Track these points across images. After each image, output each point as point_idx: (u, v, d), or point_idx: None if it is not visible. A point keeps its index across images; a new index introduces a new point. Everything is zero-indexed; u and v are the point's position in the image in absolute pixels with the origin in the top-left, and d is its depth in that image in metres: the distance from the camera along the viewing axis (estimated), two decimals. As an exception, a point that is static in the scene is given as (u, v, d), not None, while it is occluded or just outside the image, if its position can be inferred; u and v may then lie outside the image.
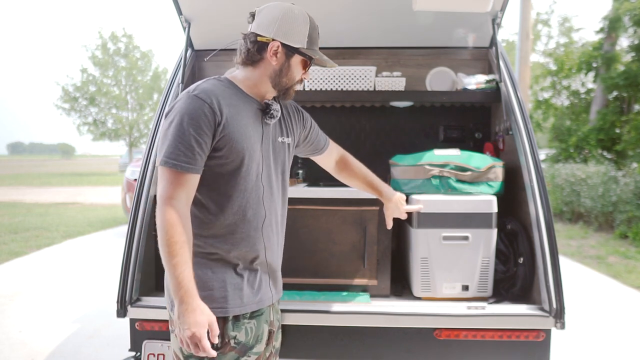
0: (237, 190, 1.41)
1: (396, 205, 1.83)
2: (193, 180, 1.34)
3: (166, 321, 1.96)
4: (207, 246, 1.40)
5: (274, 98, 1.55)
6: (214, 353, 1.31)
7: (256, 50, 1.45)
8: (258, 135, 1.46)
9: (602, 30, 11.54)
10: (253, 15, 1.49)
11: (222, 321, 1.40)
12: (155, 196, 2.15)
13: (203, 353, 1.29)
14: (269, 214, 1.50)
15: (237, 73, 1.50)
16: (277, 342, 1.63)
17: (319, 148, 1.80)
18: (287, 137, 1.59)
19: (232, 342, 1.42)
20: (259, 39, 1.44)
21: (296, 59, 1.47)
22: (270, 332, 1.56)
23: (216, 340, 1.32)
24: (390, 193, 1.85)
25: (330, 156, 1.86)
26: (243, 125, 1.41)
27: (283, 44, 1.43)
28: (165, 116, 1.38)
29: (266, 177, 1.48)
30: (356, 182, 1.91)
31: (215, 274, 1.40)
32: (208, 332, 1.30)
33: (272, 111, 1.48)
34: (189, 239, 1.30)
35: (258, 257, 1.48)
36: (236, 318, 1.43)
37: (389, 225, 1.86)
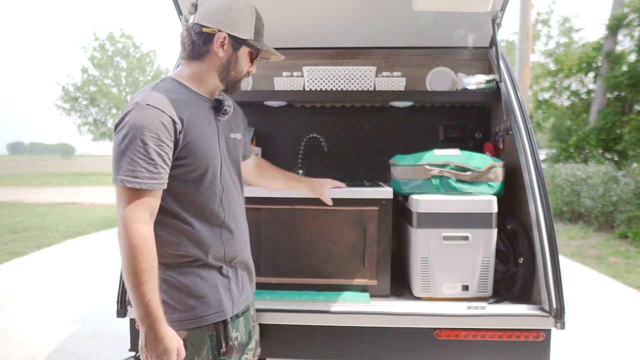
0: (206, 194, 1.38)
1: (321, 190, 1.99)
2: (157, 196, 1.27)
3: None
4: (187, 255, 1.36)
5: (221, 93, 1.50)
6: None
7: (202, 42, 1.38)
8: (215, 135, 1.42)
9: (609, 27, 11.51)
10: (195, 6, 1.41)
11: (223, 325, 1.40)
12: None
13: None
14: (235, 212, 1.49)
15: (181, 70, 1.43)
16: (257, 335, 1.67)
17: (248, 153, 1.77)
18: (237, 132, 1.57)
19: (235, 343, 1.43)
20: (204, 30, 1.37)
21: (243, 51, 1.43)
22: (253, 327, 1.60)
23: None
24: (312, 180, 2.01)
25: (252, 161, 1.86)
26: (202, 128, 1.36)
27: (230, 35, 1.39)
28: (116, 129, 1.27)
29: (227, 176, 1.46)
30: (279, 180, 1.97)
31: (204, 280, 1.38)
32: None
33: (225, 107, 1.45)
34: (155, 263, 1.23)
35: (236, 257, 1.47)
36: (231, 319, 1.43)
37: (329, 201, 2.02)
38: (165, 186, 1.28)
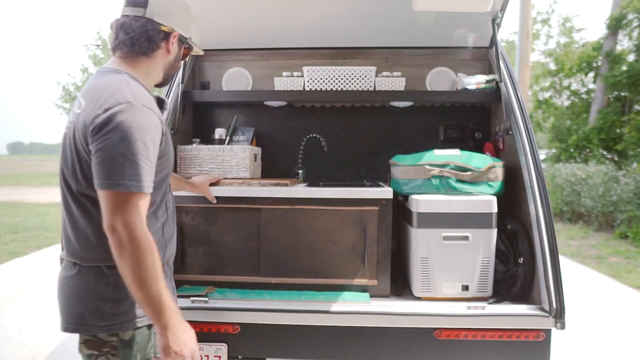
0: (161, 193, 1.40)
1: (202, 187, 2.11)
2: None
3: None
4: None
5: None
6: None
7: (160, 39, 1.38)
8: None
9: (609, 27, 11.51)
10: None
11: None
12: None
13: None
14: (173, 210, 1.52)
15: (128, 65, 1.37)
16: None
17: None
18: None
19: None
20: (162, 28, 1.37)
21: (181, 49, 1.45)
22: None
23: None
24: (192, 180, 2.13)
25: None
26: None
27: (180, 35, 1.43)
28: (105, 129, 1.18)
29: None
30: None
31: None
32: None
33: (165, 105, 1.47)
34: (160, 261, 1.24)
35: (172, 255, 1.52)
36: None
37: (212, 199, 2.13)
38: None
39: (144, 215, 1.21)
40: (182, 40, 1.45)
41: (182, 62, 1.51)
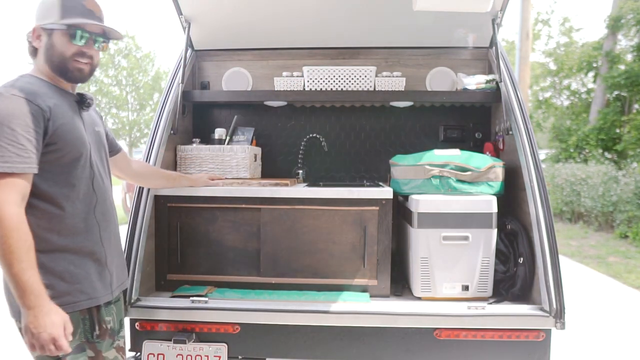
0: (78, 179, 1.44)
1: (203, 182, 2.16)
2: (28, 180, 1.32)
3: (167, 321, 1.97)
4: (59, 240, 1.40)
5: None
6: (69, 349, 1.32)
7: (31, 40, 1.47)
8: (81, 125, 1.49)
9: (610, 26, 11.51)
10: None
11: (96, 309, 1.48)
12: (155, 196, 2.17)
13: (60, 352, 1.30)
14: (105, 198, 1.56)
15: (35, 67, 1.50)
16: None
17: (114, 148, 1.82)
18: (99, 126, 1.64)
19: (108, 327, 1.51)
20: (32, 29, 1.47)
21: (57, 35, 1.44)
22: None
23: (70, 338, 1.33)
24: (191, 176, 2.18)
25: (126, 159, 1.90)
26: (69, 116, 1.43)
27: (41, 27, 1.44)
28: None
29: (96, 163, 1.53)
30: (162, 180, 2.10)
31: (77, 266, 1.43)
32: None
33: (87, 100, 1.52)
34: (31, 242, 1.28)
35: (109, 243, 1.54)
36: (105, 304, 1.51)
37: (217, 182, 2.20)
38: (36, 170, 1.33)
39: (15, 195, 1.27)
40: (48, 29, 1.44)
41: (77, 48, 1.46)
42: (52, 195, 1.39)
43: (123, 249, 1.80)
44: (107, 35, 1.53)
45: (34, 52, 1.48)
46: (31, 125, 1.31)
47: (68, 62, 1.45)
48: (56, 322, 1.28)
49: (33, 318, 1.26)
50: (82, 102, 1.52)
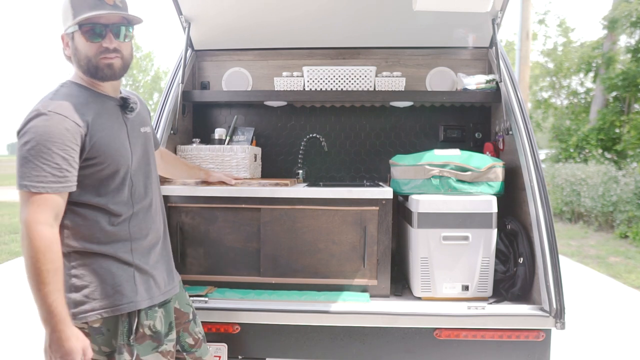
0: (118, 190, 1.43)
1: (220, 177, 2.17)
2: (63, 198, 1.32)
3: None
4: (101, 246, 1.40)
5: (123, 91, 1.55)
6: None
7: (63, 49, 1.47)
8: (124, 132, 1.47)
9: (608, 27, 11.51)
10: None
11: (137, 313, 1.46)
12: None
13: None
14: (147, 206, 1.53)
15: (74, 73, 1.48)
16: (198, 327, 1.76)
17: (157, 144, 1.82)
18: (147, 126, 1.61)
19: (148, 331, 1.48)
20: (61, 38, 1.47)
21: (77, 38, 1.42)
22: (192, 319, 1.70)
23: None
24: (209, 170, 2.20)
25: (159, 156, 1.91)
26: (108, 126, 1.41)
27: (65, 33, 1.44)
28: (19, 135, 1.32)
29: (138, 171, 1.51)
30: (182, 169, 2.11)
31: (118, 270, 1.42)
32: None
33: (131, 105, 1.49)
34: (60, 264, 1.28)
35: (152, 249, 1.53)
36: (147, 309, 1.48)
37: (230, 181, 2.19)
38: (73, 188, 1.33)
39: (48, 215, 1.27)
40: (69, 33, 1.42)
41: (96, 46, 1.41)
42: (94, 204, 1.39)
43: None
44: (128, 23, 1.46)
45: (69, 59, 1.47)
46: (67, 143, 1.30)
47: (95, 62, 1.41)
48: (74, 348, 1.28)
49: (53, 342, 1.27)
50: (125, 106, 1.49)
